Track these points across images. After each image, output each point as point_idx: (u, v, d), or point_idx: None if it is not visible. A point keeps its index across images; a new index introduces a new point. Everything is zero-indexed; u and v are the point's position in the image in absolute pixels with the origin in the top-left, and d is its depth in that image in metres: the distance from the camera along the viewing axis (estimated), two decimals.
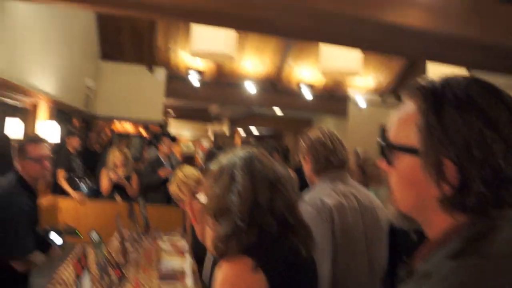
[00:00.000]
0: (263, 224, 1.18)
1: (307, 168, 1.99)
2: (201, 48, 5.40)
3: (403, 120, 0.78)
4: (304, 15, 3.42)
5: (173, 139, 6.39)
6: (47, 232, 2.65)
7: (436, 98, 0.72)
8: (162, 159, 5.65)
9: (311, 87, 8.84)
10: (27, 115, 4.56)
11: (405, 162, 0.76)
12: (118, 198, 5.16)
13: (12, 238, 2.36)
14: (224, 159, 1.32)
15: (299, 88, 8.85)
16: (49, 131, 4.82)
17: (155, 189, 5.39)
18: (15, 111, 4.46)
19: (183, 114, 13.50)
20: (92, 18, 7.17)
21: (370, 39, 3.87)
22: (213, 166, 1.33)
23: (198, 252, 3.47)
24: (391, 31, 3.60)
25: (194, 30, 5.47)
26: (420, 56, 5.30)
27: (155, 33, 7.61)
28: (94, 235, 2.74)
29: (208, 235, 2.67)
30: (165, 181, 5.43)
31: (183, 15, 3.69)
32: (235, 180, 1.23)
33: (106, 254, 2.71)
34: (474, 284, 0.61)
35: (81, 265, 2.03)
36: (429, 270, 0.69)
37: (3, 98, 3.88)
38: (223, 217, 1.23)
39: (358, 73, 6.26)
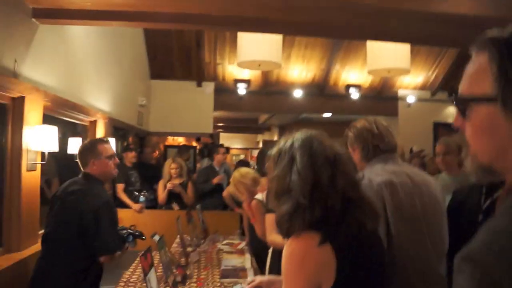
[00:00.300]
0: (326, 200, 1.21)
1: (356, 157, 1.98)
2: (248, 59, 5.50)
3: (475, 72, 0.79)
4: (351, 13, 3.39)
5: (226, 149, 6.59)
6: (123, 231, 2.82)
7: (508, 45, 0.73)
8: (216, 168, 5.79)
9: (358, 88, 8.78)
10: (86, 132, 4.81)
11: (482, 112, 0.76)
12: (175, 206, 5.32)
13: (111, 234, 2.58)
14: (283, 142, 1.36)
15: (347, 90, 8.82)
16: None
17: (210, 196, 5.52)
18: (75, 129, 4.74)
19: (233, 126, 13.72)
20: (141, 39, 7.49)
21: (423, 32, 3.78)
22: (274, 149, 1.37)
23: (257, 250, 3.51)
24: (444, 22, 3.50)
25: (240, 42, 5.58)
26: None
27: (202, 50, 7.83)
28: (156, 237, 2.85)
29: (268, 230, 2.69)
30: (219, 188, 5.57)
31: (230, 23, 3.76)
32: (294, 160, 1.27)
33: (169, 255, 2.81)
34: None
35: (148, 263, 2.11)
36: (503, 209, 0.70)
37: (65, 117, 4.11)
38: (286, 197, 1.26)
39: (407, 71, 6.12)
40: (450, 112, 9.45)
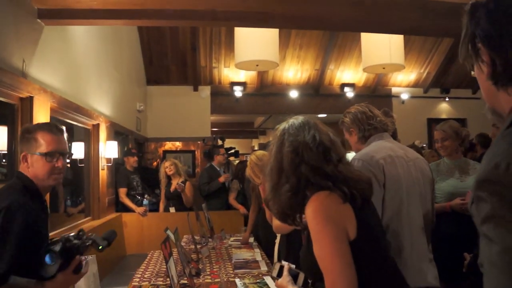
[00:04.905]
0: (329, 172, 1.31)
1: (353, 140, 2.18)
2: (246, 59, 5.55)
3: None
4: (348, 5, 3.47)
5: (236, 153, 6.66)
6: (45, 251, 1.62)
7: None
8: (217, 168, 5.80)
9: (353, 87, 8.92)
10: (88, 136, 4.81)
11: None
12: (172, 210, 5.37)
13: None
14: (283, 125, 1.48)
15: (341, 89, 8.95)
16: (111, 150, 5.09)
17: (215, 196, 5.56)
18: (78, 132, 4.73)
19: (228, 131, 13.74)
20: (137, 44, 7.53)
21: (417, 23, 3.86)
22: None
23: (264, 244, 3.56)
24: (437, 11, 3.57)
25: (238, 43, 5.64)
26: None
27: (197, 54, 7.88)
28: (169, 232, 2.86)
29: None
30: (224, 188, 5.61)
31: (229, 19, 3.78)
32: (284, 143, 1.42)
33: (183, 249, 2.83)
34: None
35: (167, 251, 2.13)
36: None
37: (69, 120, 4.11)
38: (283, 177, 1.37)
39: (401, 67, 6.23)
40: (443, 108, 9.66)
